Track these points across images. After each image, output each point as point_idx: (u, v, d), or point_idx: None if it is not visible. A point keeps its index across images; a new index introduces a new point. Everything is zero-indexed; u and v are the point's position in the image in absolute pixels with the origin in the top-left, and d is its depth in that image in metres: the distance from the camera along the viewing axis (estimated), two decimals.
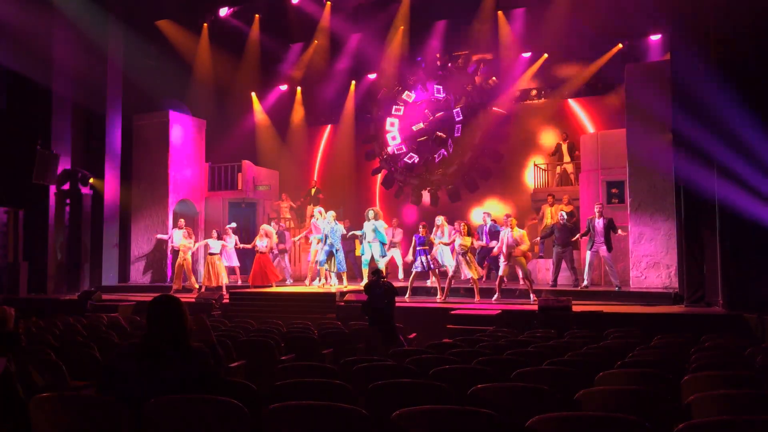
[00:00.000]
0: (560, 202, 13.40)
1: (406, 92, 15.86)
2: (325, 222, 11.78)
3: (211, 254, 12.82)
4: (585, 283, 11.15)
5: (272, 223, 14.62)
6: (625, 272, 11.68)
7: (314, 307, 10.53)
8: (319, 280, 12.24)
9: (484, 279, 12.39)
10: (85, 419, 2.95)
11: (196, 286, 12.96)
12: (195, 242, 13.45)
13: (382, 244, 11.94)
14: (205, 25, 16.06)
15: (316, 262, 12.15)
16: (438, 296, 10.93)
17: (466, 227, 10.77)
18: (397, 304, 7.60)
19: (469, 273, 10.60)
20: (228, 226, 13.70)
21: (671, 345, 5.72)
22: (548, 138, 15.54)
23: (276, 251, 13.70)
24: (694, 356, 4.80)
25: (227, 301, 11.42)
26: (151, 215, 15.29)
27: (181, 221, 13.66)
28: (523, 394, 3.44)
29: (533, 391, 3.43)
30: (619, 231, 11.07)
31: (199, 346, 3.21)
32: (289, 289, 12.31)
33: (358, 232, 12.21)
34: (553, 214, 12.92)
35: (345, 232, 12.08)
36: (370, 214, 12.01)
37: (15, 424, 3.38)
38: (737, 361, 4.76)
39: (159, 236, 14.58)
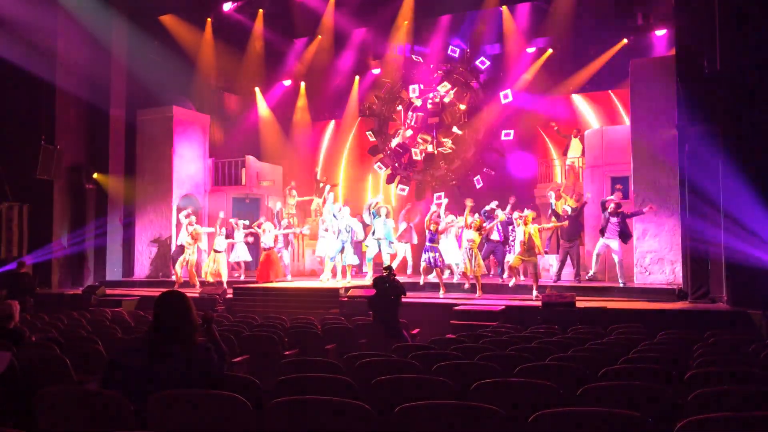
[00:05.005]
0: (567, 196, 13.29)
1: (411, 87, 15.80)
2: (331, 213, 11.84)
3: (216, 251, 12.84)
4: (592, 272, 11.08)
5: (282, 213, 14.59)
6: (630, 268, 11.61)
7: (318, 302, 10.55)
8: (324, 275, 12.27)
9: (489, 274, 12.37)
10: (90, 413, 2.96)
11: (198, 281, 12.96)
12: (201, 234, 13.27)
13: (389, 242, 11.99)
14: (209, 20, 16.04)
15: (332, 258, 12.16)
16: (441, 291, 10.92)
17: (477, 224, 10.75)
18: (402, 299, 7.61)
19: (472, 269, 10.58)
20: (237, 220, 13.71)
21: (675, 341, 5.72)
22: (553, 133, 15.48)
23: (284, 240, 13.58)
24: (697, 353, 4.80)
25: (231, 296, 11.45)
26: (155, 210, 15.30)
27: (191, 218, 13.34)
28: (527, 390, 3.44)
29: (537, 387, 3.43)
30: (646, 209, 10.67)
31: (204, 342, 3.22)
32: (293, 284, 12.32)
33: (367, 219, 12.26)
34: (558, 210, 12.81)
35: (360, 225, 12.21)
36: (382, 210, 12.04)
37: (20, 418, 3.40)
38: (741, 357, 4.76)
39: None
